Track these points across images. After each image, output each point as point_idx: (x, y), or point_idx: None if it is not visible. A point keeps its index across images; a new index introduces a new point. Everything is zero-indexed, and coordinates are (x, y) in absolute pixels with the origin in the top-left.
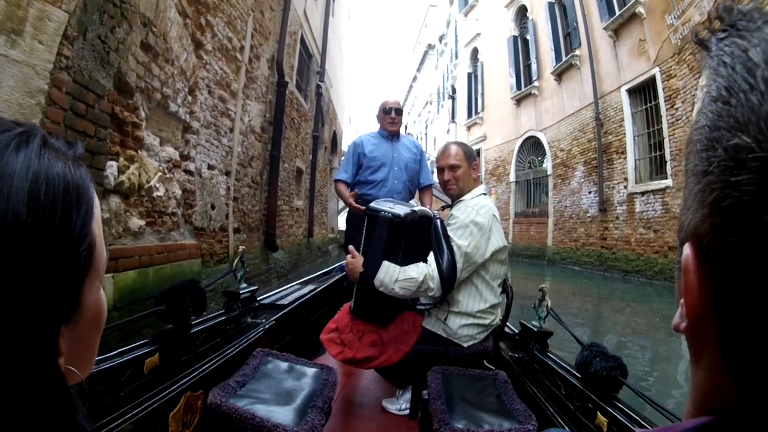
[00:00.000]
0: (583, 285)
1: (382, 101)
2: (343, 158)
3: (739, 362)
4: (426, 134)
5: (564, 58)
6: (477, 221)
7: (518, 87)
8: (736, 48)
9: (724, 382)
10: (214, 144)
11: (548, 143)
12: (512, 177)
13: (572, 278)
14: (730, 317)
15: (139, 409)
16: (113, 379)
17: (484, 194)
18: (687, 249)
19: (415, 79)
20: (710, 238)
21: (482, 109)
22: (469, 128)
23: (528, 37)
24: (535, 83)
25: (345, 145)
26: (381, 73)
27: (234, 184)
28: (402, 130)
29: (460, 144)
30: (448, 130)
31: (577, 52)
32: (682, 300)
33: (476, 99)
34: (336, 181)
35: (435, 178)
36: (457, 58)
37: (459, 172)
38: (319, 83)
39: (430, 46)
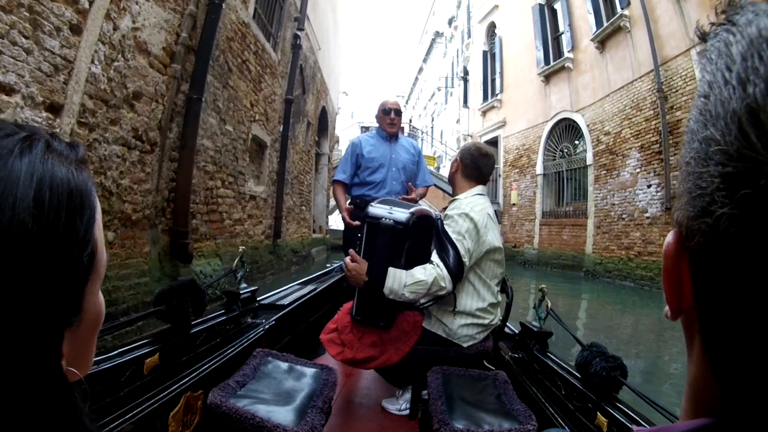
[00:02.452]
0: (639, 308)
1: (382, 101)
2: (341, 158)
3: (718, 356)
4: (432, 127)
5: (607, 22)
6: (470, 215)
7: (546, 61)
8: (722, 44)
9: (710, 378)
10: (14, 43)
11: (587, 126)
12: (539, 169)
13: (622, 297)
14: (707, 309)
15: (139, 409)
16: (113, 379)
17: (480, 194)
18: (670, 236)
19: (420, 70)
20: (686, 228)
21: (501, 91)
22: (484, 113)
23: (556, 6)
24: (569, 55)
25: (339, 128)
26: (385, 70)
27: (77, 133)
28: (405, 125)
29: (473, 143)
30: (458, 119)
31: (626, 12)
32: None
33: (493, 80)
34: (334, 181)
35: (432, 180)
36: (470, 36)
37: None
38: (297, 32)
39: (438, 34)
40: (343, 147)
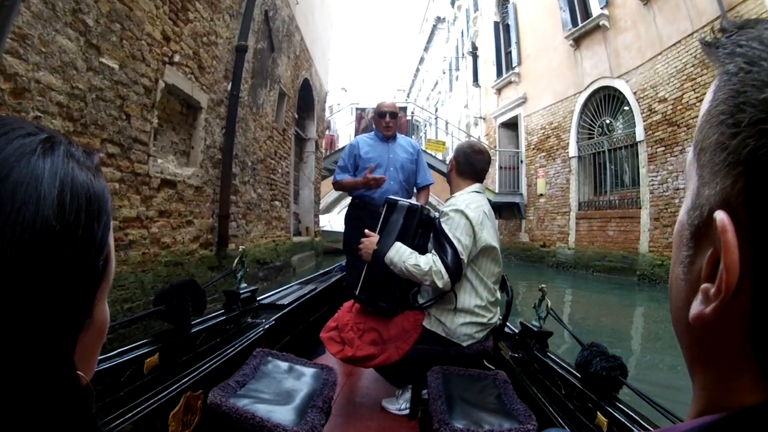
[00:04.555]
0: None
1: (378, 103)
2: (339, 160)
3: None
4: (435, 119)
5: None
6: (465, 212)
7: (574, 23)
8: (748, 36)
9: (744, 375)
10: None
11: (634, 93)
12: (572, 150)
13: None
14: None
15: (139, 409)
16: (113, 379)
17: (477, 192)
18: (719, 214)
19: (422, 60)
20: (745, 197)
21: (518, 63)
22: (499, 91)
23: None
24: (603, 11)
25: (327, 108)
26: (384, 65)
27: None
28: (408, 104)
29: (466, 141)
30: (467, 104)
31: None
32: (704, 285)
33: (508, 53)
34: (335, 183)
35: (433, 177)
36: (477, 10)
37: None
38: None
39: (440, 20)
40: (342, 139)
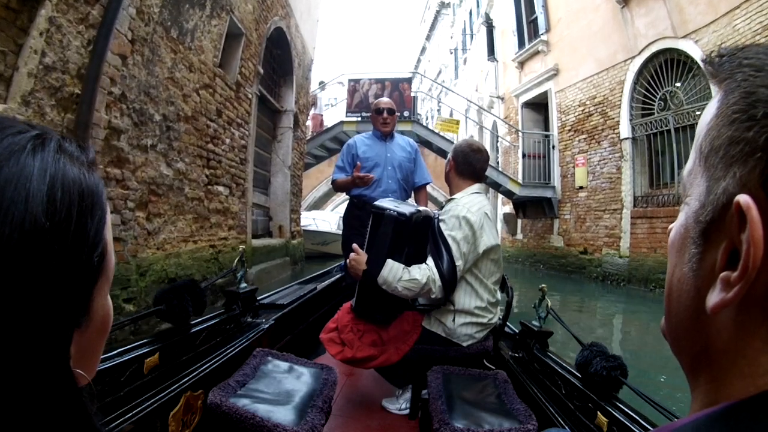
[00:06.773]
0: None
1: (375, 101)
2: (338, 161)
3: None
4: (439, 109)
5: None
6: (468, 218)
7: None
8: (752, 51)
9: (762, 356)
10: None
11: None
12: (625, 130)
13: None
14: None
15: (139, 409)
16: (113, 379)
17: (478, 193)
18: (742, 197)
19: (423, 51)
20: (764, 179)
21: (547, 30)
22: (522, 64)
23: None
24: None
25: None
26: (384, 60)
27: None
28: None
29: (463, 140)
30: (477, 87)
31: None
32: (723, 274)
33: (532, 20)
34: (333, 183)
35: (431, 178)
36: None
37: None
38: None
39: (443, 5)
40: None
